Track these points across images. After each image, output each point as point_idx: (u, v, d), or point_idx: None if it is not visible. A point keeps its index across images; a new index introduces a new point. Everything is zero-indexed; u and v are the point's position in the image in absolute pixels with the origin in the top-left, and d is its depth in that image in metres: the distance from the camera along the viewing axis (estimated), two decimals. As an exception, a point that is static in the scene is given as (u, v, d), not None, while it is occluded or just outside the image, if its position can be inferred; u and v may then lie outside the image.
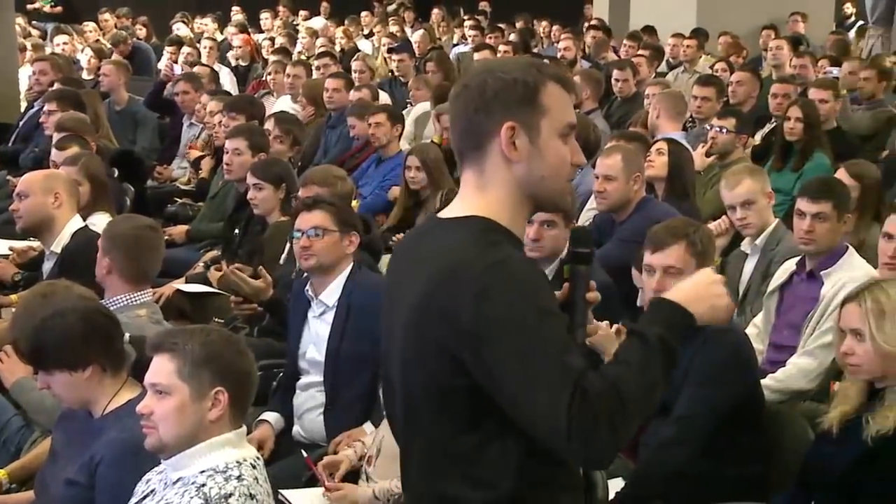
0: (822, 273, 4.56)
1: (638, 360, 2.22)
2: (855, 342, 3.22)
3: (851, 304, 3.27)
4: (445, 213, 2.42)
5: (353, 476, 3.98)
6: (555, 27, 15.23)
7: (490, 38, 13.77)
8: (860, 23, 15.45)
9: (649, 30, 13.20)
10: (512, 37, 14.26)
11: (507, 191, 2.35)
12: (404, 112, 9.36)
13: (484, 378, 2.22)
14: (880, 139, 8.32)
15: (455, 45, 14.94)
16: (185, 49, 12.45)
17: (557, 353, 2.18)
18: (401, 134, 7.90)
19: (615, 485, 3.59)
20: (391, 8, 19.21)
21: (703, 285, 2.39)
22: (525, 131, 2.32)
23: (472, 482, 2.30)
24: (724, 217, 5.45)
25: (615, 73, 9.64)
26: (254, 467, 2.95)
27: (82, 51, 12.98)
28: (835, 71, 9.89)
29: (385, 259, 6.28)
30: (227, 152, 6.53)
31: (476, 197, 2.36)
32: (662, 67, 11.66)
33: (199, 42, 13.65)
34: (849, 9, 17.31)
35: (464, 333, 2.21)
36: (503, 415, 2.23)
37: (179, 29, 15.25)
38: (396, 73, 11.64)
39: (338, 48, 14.14)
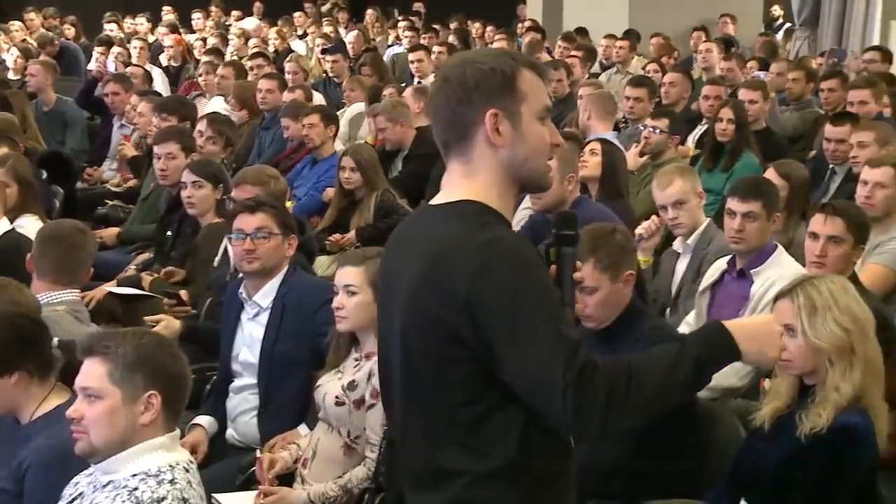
0: (752, 271, 4.61)
1: (665, 362, 2.32)
2: (787, 338, 3.26)
3: (784, 300, 3.31)
4: (435, 201, 2.51)
5: (288, 479, 3.95)
6: (489, 28, 15.25)
7: (425, 38, 13.77)
8: (787, 25, 15.67)
9: (582, 31, 13.29)
10: (449, 38, 14.28)
11: (494, 176, 2.44)
12: (339, 113, 9.34)
13: (483, 351, 2.30)
14: (807, 139, 8.45)
15: (389, 46, 14.92)
16: (115, 49, 12.30)
17: (553, 323, 2.29)
18: (335, 135, 7.86)
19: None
20: (325, 8, 19.13)
21: (765, 329, 2.47)
22: (507, 117, 2.41)
23: (472, 453, 2.37)
24: (654, 216, 5.49)
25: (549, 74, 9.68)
26: (187, 471, 2.92)
27: (8, 50, 12.76)
28: (762, 74, 10.04)
29: (320, 260, 6.28)
30: (160, 158, 6.44)
31: (464, 184, 2.45)
32: (595, 68, 11.73)
33: (129, 42, 13.48)
34: (776, 11, 17.54)
35: (461, 309, 2.29)
36: (502, 387, 2.32)
37: (113, 30, 15.04)
38: (330, 74, 11.60)
39: (271, 49, 14.05)
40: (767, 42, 12.66)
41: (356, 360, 3.94)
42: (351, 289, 3.87)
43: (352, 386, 3.83)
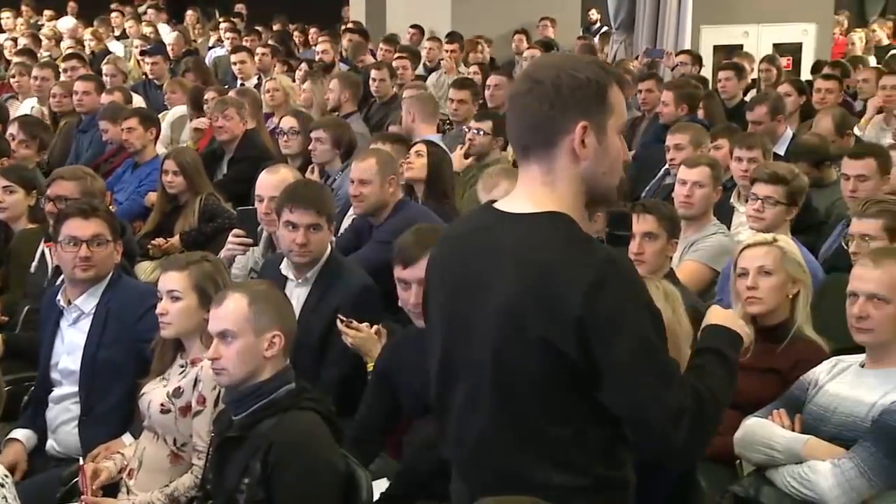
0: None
1: (724, 379, 2.48)
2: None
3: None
4: (510, 208, 2.46)
5: (112, 490, 3.85)
6: (312, 30, 15.17)
7: (247, 40, 13.60)
8: (605, 28, 16.08)
9: (417, 29, 13.39)
10: (270, 40, 14.14)
11: (574, 187, 2.43)
12: (160, 116, 9.16)
13: (587, 369, 2.31)
14: (626, 140, 8.66)
15: (211, 48, 14.69)
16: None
17: (663, 347, 2.35)
18: (156, 138, 7.70)
19: (380, 485, 3.60)
20: (142, 9, 18.68)
21: (734, 319, 2.68)
22: (594, 130, 2.40)
23: (565, 468, 2.40)
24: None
25: (373, 74, 9.69)
26: (2, 486, 2.81)
27: None
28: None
29: (144, 265, 6.14)
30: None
31: (544, 192, 2.43)
32: (420, 70, 11.81)
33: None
34: (594, 15, 17.98)
35: (573, 326, 2.28)
36: (597, 404, 2.35)
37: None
38: (150, 76, 11.35)
39: (87, 50, 13.66)
40: (586, 45, 12.98)
41: (181, 366, 3.87)
42: (175, 294, 3.81)
43: (177, 393, 3.76)
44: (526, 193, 2.46)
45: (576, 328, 2.29)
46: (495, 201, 2.58)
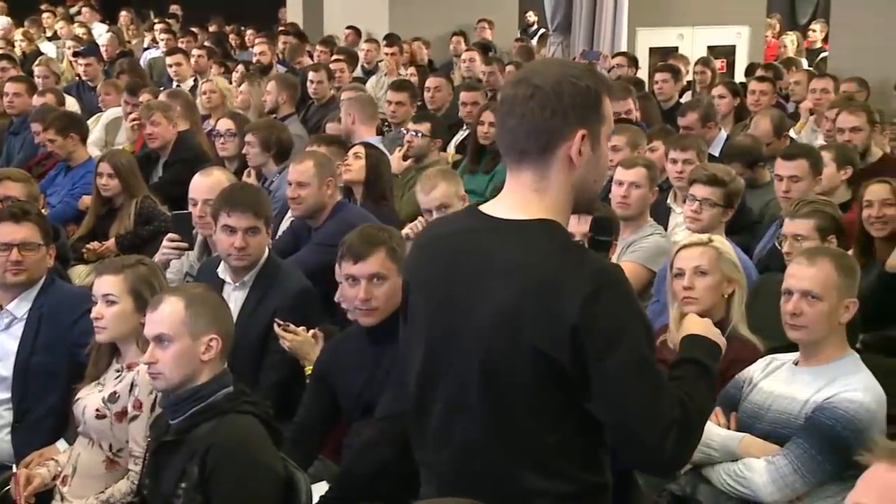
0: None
1: (706, 390, 2.54)
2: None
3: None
4: (501, 213, 2.45)
5: (46, 497, 3.80)
6: (249, 31, 15.08)
7: (182, 41, 13.49)
8: (542, 30, 16.17)
9: (354, 31, 13.36)
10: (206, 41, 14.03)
11: (565, 195, 2.44)
12: (94, 118, 9.06)
13: (578, 378, 2.32)
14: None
15: (146, 49, 14.54)
16: None
17: (654, 358, 2.37)
18: (84, 138, 7.58)
19: (319, 488, 3.59)
20: (74, 9, 18.43)
21: (711, 328, 2.73)
22: (590, 139, 2.41)
23: (554, 476, 2.42)
24: (419, 218, 5.55)
25: (310, 76, 9.66)
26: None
27: None
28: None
29: (78, 269, 6.07)
30: None
31: (535, 200, 2.42)
32: (358, 72, 11.79)
33: None
34: (531, 17, 18.07)
35: (567, 335, 2.29)
36: (586, 413, 2.37)
37: None
38: (84, 78, 11.21)
39: (18, 51, 13.47)
40: (524, 47, 13.03)
41: (117, 371, 3.83)
42: (110, 298, 3.77)
43: (113, 398, 3.71)
44: (516, 199, 2.45)
45: (571, 337, 2.30)
46: (480, 204, 2.58)
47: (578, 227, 4.22)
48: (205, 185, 5.10)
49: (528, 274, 2.35)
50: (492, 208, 2.49)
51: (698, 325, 2.73)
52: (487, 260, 2.42)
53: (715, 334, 2.70)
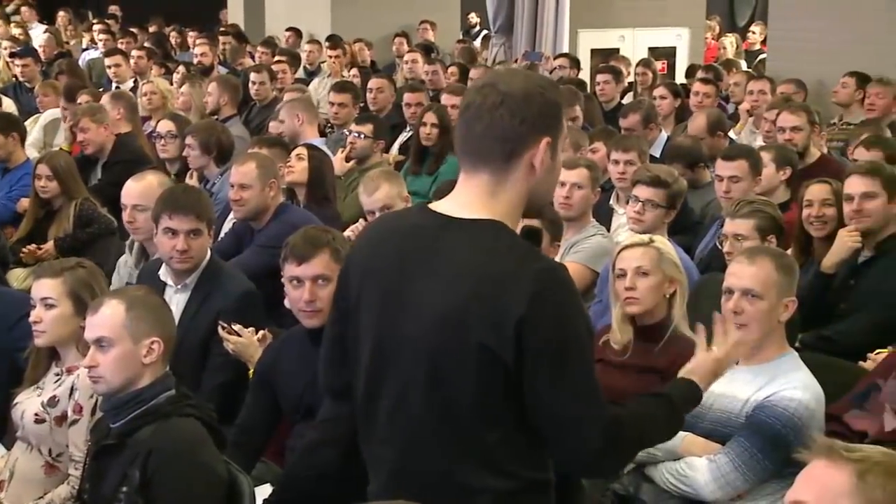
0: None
1: (663, 419, 2.63)
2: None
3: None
4: (452, 211, 2.47)
5: (-16, 504, 3.75)
6: (191, 32, 14.96)
7: (122, 42, 13.35)
8: (484, 32, 16.20)
9: (294, 32, 13.29)
10: (146, 42, 13.90)
11: (519, 199, 2.48)
12: (32, 119, 8.95)
13: (517, 376, 2.36)
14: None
15: (85, 50, 14.38)
16: None
17: (592, 361, 2.47)
18: (22, 140, 7.48)
19: (263, 491, 3.56)
20: (10, 8, 18.17)
21: (712, 367, 2.83)
22: (551, 147, 2.47)
23: (496, 472, 2.45)
24: (362, 220, 5.54)
25: (252, 77, 9.61)
26: None
27: None
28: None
29: (16, 272, 5.99)
30: None
31: (487, 202, 2.46)
32: (300, 73, 11.74)
33: None
34: (474, 18, 18.10)
35: (511, 334, 2.33)
36: (528, 409, 2.40)
37: None
38: (21, 79, 11.07)
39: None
40: (466, 48, 13.06)
41: (57, 374, 3.78)
42: (48, 301, 3.73)
43: (52, 402, 3.67)
44: (468, 199, 2.48)
45: (515, 335, 2.34)
46: (430, 202, 2.60)
47: None
48: (135, 190, 5.03)
49: (476, 272, 2.38)
50: (442, 206, 2.51)
51: (706, 372, 2.82)
52: (436, 258, 2.44)
53: (718, 370, 2.85)
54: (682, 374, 2.79)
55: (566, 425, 2.40)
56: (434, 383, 2.44)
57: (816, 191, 5.10)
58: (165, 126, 7.05)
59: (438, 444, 2.47)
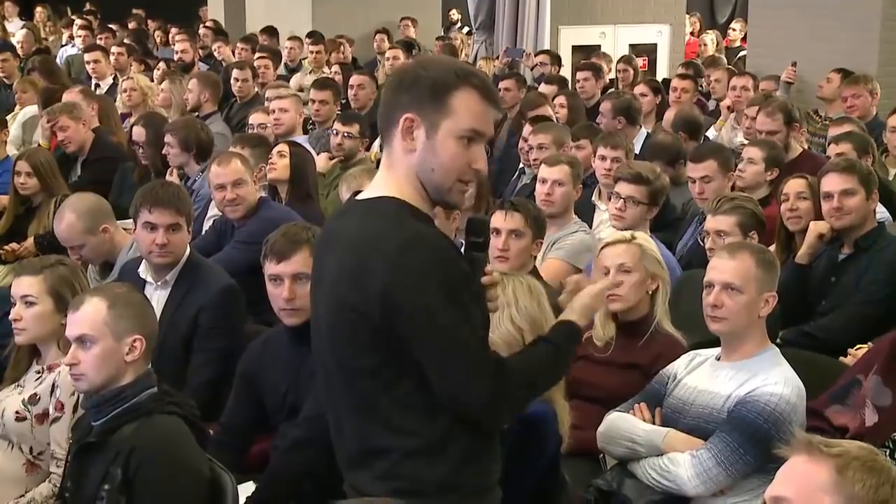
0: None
1: (547, 360, 2.70)
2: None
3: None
4: (362, 195, 2.64)
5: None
6: (173, 29, 14.90)
7: (101, 38, 13.28)
8: (466, 28, 16.20)
9: (269, 30, 13.23)
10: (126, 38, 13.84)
11: (407, 176, 2.57)
12: (10, 116, 8.90)
13: (396, 342, 2.48)
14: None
15: (63, 46, 14.31)
16: None
17: (469, 318, 2.50)
18: (4, 139, 7.45)
19: (246, 489, 3.56)
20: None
21: (598, 299, 2.91)
22: (424, 126, 2.52)
23: (398, 432, 2.56)
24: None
25: (235, 74, 9.56)
26: None
27: None
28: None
29: (-5, 270, 5.97)
30: None
31: (385, 178, 2.61)
32: (281, 70, 11.71)
33: None
34: (455, 15, 18.10)
35: (377, 300, 2.45)
36: (420, 370, 2.50)
37: None
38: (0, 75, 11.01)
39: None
40: (447, 45, 13.05)
41: (38, 372, 3.77)
42: (29, 299, 3.72)
43: (33, 400, 3.66)
44: (377, 180, 2.65)
45: (381, 297, 2.45)
46: None
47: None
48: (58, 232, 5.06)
49: (351, 245, 2.55)
50: (363, 192, 2.68)
51: (578, 306, 2.85)
52: (335, 236, 2.65)
53: (595, 302, 2.89)
54: (562, 317, 2.86)
55: (455, 380, 2.50)
56: (334, 350, 2.61)
57: (792, 184, 5.13)
58: (138, 135, 6.95)
59: (350, 409, 2.62)
